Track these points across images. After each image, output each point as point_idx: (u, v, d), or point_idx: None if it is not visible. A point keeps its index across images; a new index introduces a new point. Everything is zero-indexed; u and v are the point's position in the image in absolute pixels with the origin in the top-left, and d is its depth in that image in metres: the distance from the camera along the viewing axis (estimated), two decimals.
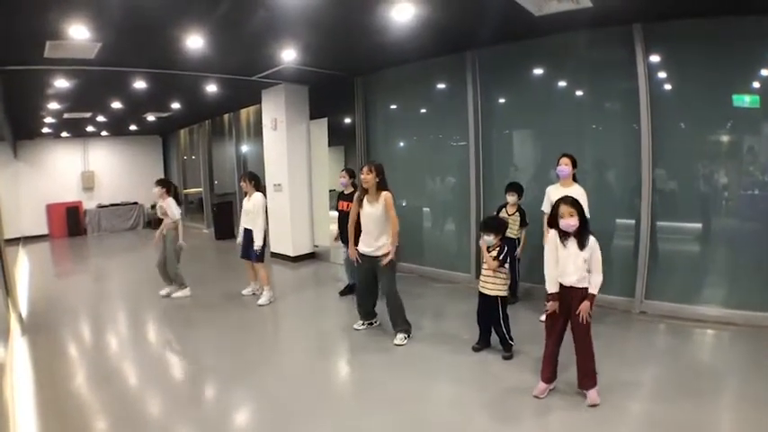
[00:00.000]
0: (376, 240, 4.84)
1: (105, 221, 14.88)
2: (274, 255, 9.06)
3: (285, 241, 8.93)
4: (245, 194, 6.33)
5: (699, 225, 5.30)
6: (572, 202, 3.38)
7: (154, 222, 7.61)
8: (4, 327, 5.28)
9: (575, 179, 4.98)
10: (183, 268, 6.71)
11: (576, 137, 5.88)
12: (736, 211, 5.21)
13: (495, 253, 4.27)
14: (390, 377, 4.07)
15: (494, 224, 4.38)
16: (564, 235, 3.43)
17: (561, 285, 3.46)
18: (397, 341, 4.70)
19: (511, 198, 5.65)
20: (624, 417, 3.33)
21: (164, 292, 6.76)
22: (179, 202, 6.69)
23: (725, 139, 5.18)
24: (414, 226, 7.70)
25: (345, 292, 6.53)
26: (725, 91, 4.93)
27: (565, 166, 4.91)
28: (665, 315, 5.20)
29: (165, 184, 6.62)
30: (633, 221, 5.48)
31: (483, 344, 4.50)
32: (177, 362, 4.72)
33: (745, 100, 4.87)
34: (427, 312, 5.81)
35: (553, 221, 3.46)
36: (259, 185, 6.37)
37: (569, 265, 3.41)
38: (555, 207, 3.45)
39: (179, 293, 6.53)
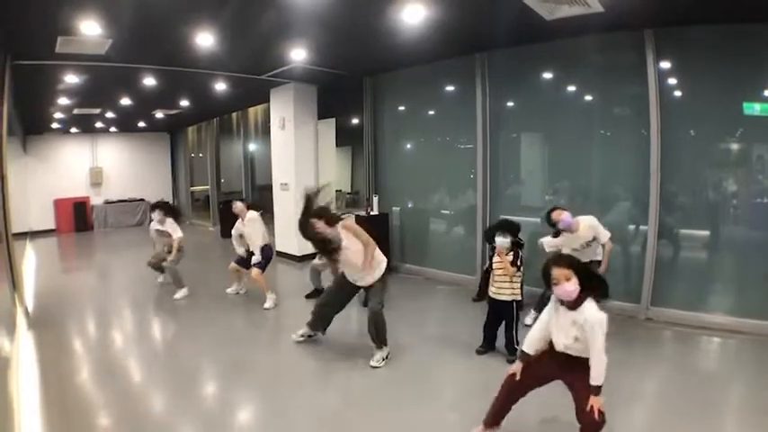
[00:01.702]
0: (363, 270, 4.39)
1: (112, 217, 14.93)
2: (280, 254, 9.07)
3: (291, 241, 8.94)
4: (240, 218, 6.31)
5: (707, 232, 5.27)
6: (568, 262, 2.70)
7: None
8: (10, 321, 5.30)
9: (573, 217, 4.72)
10: (189, 266, 6.72)
11: (584, 142, 5.87)
12: (744, 220, 5.18)
13: (511, 257, 4.27)
14: (390, 382, 4.07)
15: (509, 226, 4.36)
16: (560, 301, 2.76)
17: (552, 348, 2.86)
18: (373, 362, 4.26)
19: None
20: (628, 425, 3.31)
21: (160, 279, 7.17)
22: (177, 219, 6.87)
23: (734, 146, 5.15)
24: (420, 228, 7.71)
25: (312, 294, 6.34)
26: (735, 98, 4.90)
27: (565, 216, 4.63)
28: (671, 322, 5.17)
29: (163, 207, 6.72)
30: (641, 227, 5.45)
31: (487, 347, 4.49)
32: (180, 358, 4.72)
33: (755, 108, 4.84)
34: (432, 314, 5.81)
35: (546, 292, 2.86)
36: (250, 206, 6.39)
37: (559, 334, 2.78)
38: (544, 274, 2.76)
39: (178, 294, 6.53)
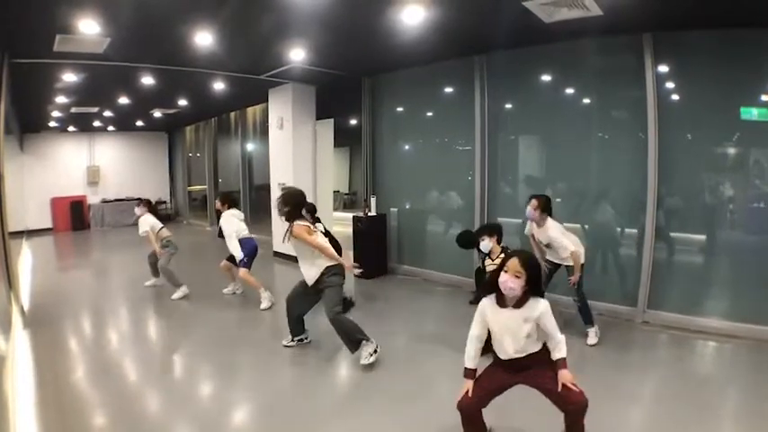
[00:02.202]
0: (308, 271, 4.44)
1: (109, 216, 14.91)
2: (277, 254, 9.07)
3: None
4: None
5: (703, 236, 5.28)
6: (527, 262, 2.58)
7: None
8: (6, 320, 5.28)
9: (546, 219, 4.70)
10: (186, 265, 6.71)
11: (582, 144, 5.88)
12: (741, 224, 5.19)
13: (499, 261, 4.26)
14: (391, 376, 4.07)
15: (489, 229, 4.36)
16: (500, 298, 2.65)
17: (499, 358, 2.76)
18: (363, 361, 4.23)
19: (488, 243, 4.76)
20: (625, 427, 3.31)
21: (149, 282, 7.12)
22: (157, 215, 7.00)
23: (732, 151, 5.16)
24: (417, 229, 7.71)
25: None
26: (733, 103, 4.91)
27: (532, 210, 4.64)
28: (667, 325, 5.18)
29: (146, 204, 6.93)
30: (637, 231, 5.46)
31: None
32: (174, 358, 4.72)
33: (753, 113, 4.85)
34: (430, 315, 5.82)
35: (494, 276, 2.65)
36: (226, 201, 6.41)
37: (505, 337, 2.67)
38: (506, 257, 2.65)
39: (176, 295, 6.50)
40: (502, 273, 2.58)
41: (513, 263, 2.56)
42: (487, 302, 2.73)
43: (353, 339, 4.27)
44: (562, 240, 4.58)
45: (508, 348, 2.67)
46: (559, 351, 2.64)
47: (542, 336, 2.68)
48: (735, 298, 5.06)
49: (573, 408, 2.61)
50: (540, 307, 2.60)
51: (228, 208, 6.29)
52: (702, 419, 3.38)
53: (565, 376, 2.60)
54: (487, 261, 4.38)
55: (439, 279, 7.28)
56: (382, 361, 4.38)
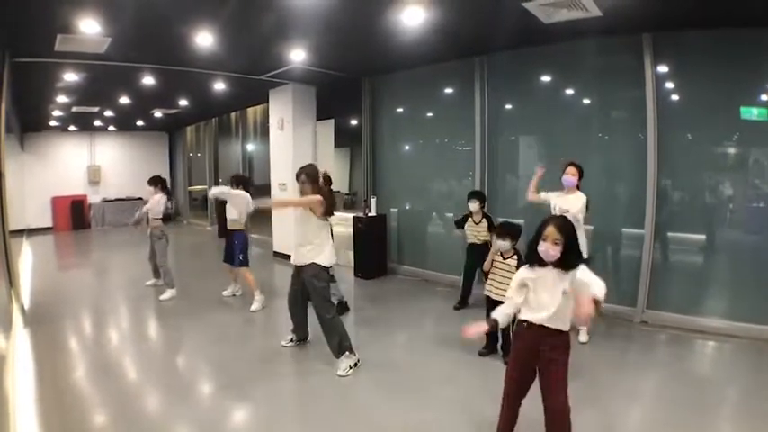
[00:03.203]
0: (302, 247, 4.39)
1: (109, 216, 14.91)
2: (277, 255, 9.07)
3: (289, 242, 8.93)
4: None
5: (703, 236, 5.28)
6: (561, 226, 2.58)
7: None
8: (6, 318, 5.29)
9: (579, 188, 4.85)
10: (184, 265, 6.71)
11: (582, 144, 5.88)
12: (740, 224, 5.20)
13: (511, 261, 4.28)
14: (389, 383, 4.08)
15: (511, 230, 4.36)
16: (539, 261, 2.64)
17: (527, 323, 2.70)
18: (340, 372, 4.10)
19: (473, 206, 5.67)
20: (623, 427, 3.32)
21: (149, 282, 7.09)
22: (169, 197, 6.94)
23: (731, 151, 5.17)
24: (417, 229, 7.72)
25: None
26: (733, 103, 4.92)
27: (571, 177, 4.76)
28: (666, 325, 5.19)
29: (155, 181, 6.86)
30: (637, 231, 5.46)
31: (489, 349, 4.50)
32: (170, 358, 4.75)
33: (752, 112, 4.86)
34: (430, 315, 5.82)
35: (534, 243, 2.64)
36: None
37: (542, 294, 2.65)
38: (542, 225, 2.64)
39: (165, 296, 6.48)
40: (540, 242, 2.59)
41: (551, 230, 2.56)
42: (524, 269, 2.73)
43: (338, 342, 4.22)
44: (580, 207, 4.62)
45: (544, 303, 2.63)
46: (599, 294, 2.51)
47: (572, 305, 2.57)
48: (734, 298, 5.06)
49: (555, 414, 2.63)
50: (579, 271, 2.56)
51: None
52: (701, 419, 3.38)
53: (588, 308, 2.46)
54: (497, 258, 4.38)
55: (439, 279, 7.28)
56: (381, 361, 4.40)
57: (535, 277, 2.67)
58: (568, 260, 2.57)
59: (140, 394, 3.90)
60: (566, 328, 2.64)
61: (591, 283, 2.55)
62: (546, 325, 2.63)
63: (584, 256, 3.80)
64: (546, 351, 2.64)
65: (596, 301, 2.50)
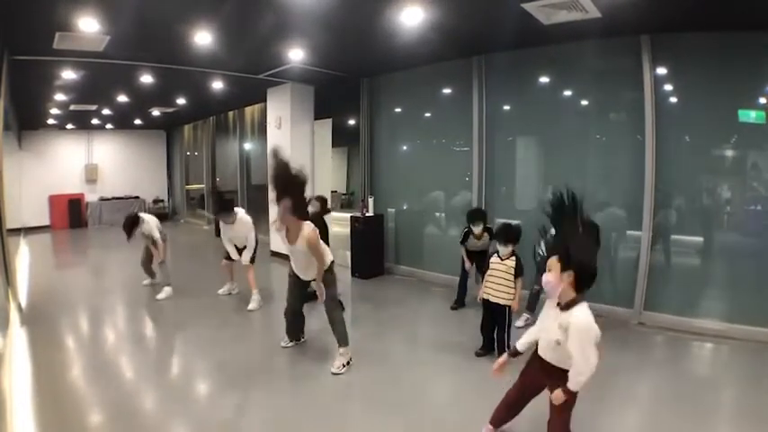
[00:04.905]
0: (305, 271, 4.35)
1: (107, 214, 14.86)
2: (275, 254, 9.06)
3: None
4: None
5: (700, 238, 5.30)
6: (560, 251, 2.55)
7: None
8: (3, 317, 5.28)
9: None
10: (182, 265, 6.70)
11: (579, 146, 5.89)
12: (738, 226, 5.21)
13: (509, 263, 4.30)
14: (390, 381, 4.08)
15: (510, 235, 4.37)
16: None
17: (537, 351, 2.73)
18: (334, 370, 4.14)
19: (477, 229, 5.63)
20: (620, 429, 3.33)
21: (146, 282, 7.09)
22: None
23: (729, 153, 5.18)
24: (415, 230, 7.72)
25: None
26: (731, 105, 4.93)
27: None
28: (663, 327, 5.20)
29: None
30: (634, 232, 5.47)
31: (486, 350, 4.51)
32: (170, 356, 4.75)
33: (750, 115, 4.88)
34: (426, 317, 5.82)
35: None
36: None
37: (542, 335, 2.67)
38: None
39: (161, 295, 6.47)
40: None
41: (550, 260, 2.55)
42: (549, 302, 2.69)
43: (344, 337, 4.28)
44: None
45: (541, 346, 2.66)
46: (571, 379, 2.48)
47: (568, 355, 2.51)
48: (731, 300, 5.07)
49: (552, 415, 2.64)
50: (573, 318, 2.45)
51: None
52: (698, 420, 3.39)
53: (556, 395, 2.52)
54: (494, 259, 4.41)
55: (436, 280, 7.29)
56: (379, 361, 4.41)
57: (544, 315, 2.70)
58: (576, 298, 2.50)
59: (137, 393, 3.90)
60: (564, 366, 2.55)
61: (576, 355, 2.45)
62: (544, 359, 2.65)
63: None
64: (548, 377, 2.66)
65: (566, 391, 2.50)
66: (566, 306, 2.52)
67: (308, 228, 4.06)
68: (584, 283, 2.50)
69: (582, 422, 3.11)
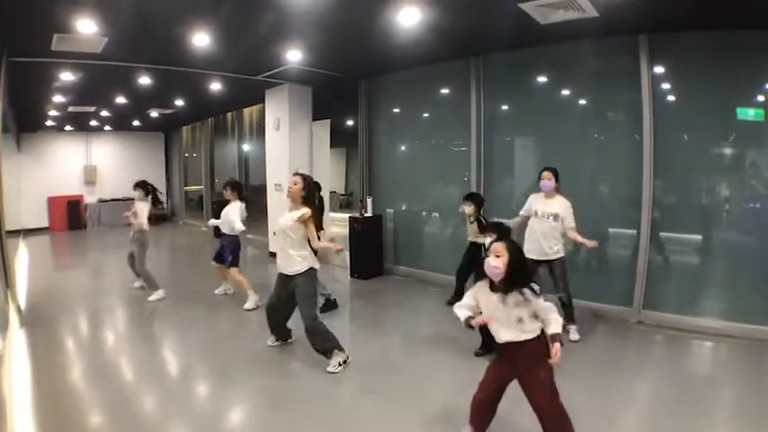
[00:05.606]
0: (291, 263, 4.30)
1: (106, 216, 14.84)
2: (273, 255, 9.06)
3: None
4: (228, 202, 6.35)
5: (699, 236, 5.30)
6: (509, 242, 2.75)
7: (153, 218, 7.64)
8: (3, 318, 5.28)
9: (558, 191, 4.90)
10: (180, 265, 6.69)
11: (577, 145, 5.90)
12: (737, 224, 5.22)
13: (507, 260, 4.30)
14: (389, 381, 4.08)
15: (495, 230, 4.36)
16: (492, 283, 2.73)
17: (499, 346, 2.81)
18: (330, 369, 4.15)
19: (468, 209, 5.62)
20: (620, 426, 3.34)
21: (137, 284, 7.02)
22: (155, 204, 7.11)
23: (728, 151, 5.19)
24: (413, 230, 7.73)
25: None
26: (729, 104, 4.94)
27: (548, 181, 4.84)
28: (662, 325, 5.21)
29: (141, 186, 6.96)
30: (633, 231, 5.48)
31: (486, 350, 4.50)
32: (168, 357, 4.74)
33: (749, 113, 4.89)
34: (425, 316, 5.83)
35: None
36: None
37: (497, 325, 2.73)
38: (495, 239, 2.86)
39: (153, 297, 6.44)
40: (487, 257, 2.70)
41: (495, 245, 2.70)
42: (482, 284, 2.81)
43: (326, 348, 4.23)
44: (572, 218, 4.75)
45: (503, 335, 2.71)
46: (552, 326, 2.66)
47: (535, 320, 2.69)
48: (730, 298, 5.08)
49: (549, 417, 2.66)
50: (528, 294, 2.63)
51: (240, 200, 6.31)
52: (696, 419, 3.39)
53: (556, 348, 2.64)
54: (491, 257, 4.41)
55: (435, 280, 7.29)
56: (377, 361, 4.41)
57: (486, 302, 2.76)
58: (516, 278, 2.65)
59: (136, 394, 3.89)
60: (532, 335, 2.68)
61: (545, 315, 2.67)
62: (510, 341, 2.70)
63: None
64: (522, 367, 2.70)
65: (556, 336, 2.66)
66: (505, 289, 2.67)
67: (308, 209, 4.23)
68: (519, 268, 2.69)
69: (581, 421, 3.11)
